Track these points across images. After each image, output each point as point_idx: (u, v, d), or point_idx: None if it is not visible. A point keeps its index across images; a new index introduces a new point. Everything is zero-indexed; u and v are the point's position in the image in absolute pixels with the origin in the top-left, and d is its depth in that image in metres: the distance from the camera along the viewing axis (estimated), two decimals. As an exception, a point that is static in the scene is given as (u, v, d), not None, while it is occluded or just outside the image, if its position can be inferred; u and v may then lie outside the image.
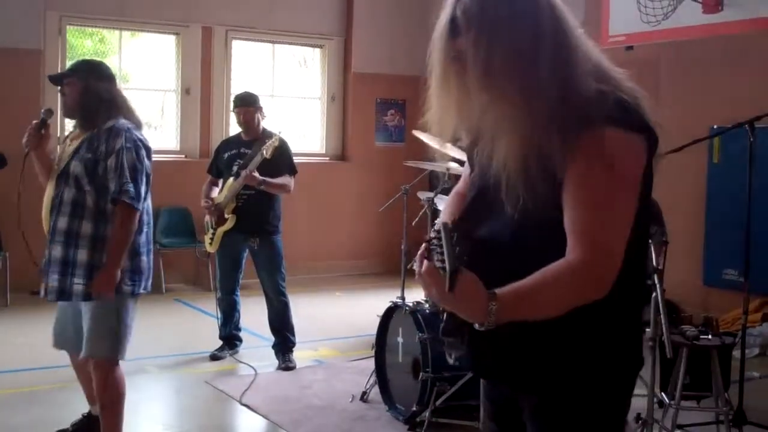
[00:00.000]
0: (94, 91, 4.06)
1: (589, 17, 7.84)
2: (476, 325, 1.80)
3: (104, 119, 4.03)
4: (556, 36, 1.88)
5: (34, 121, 4.09)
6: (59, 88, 4.19)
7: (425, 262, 1.81)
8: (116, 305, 4.00)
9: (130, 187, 3.99)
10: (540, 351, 1.96)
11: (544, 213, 1.87)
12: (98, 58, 4.96)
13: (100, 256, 3.95)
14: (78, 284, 3.93)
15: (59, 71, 4.35)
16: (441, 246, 1.74)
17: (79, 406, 4.82)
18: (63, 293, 3.97)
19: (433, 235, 1.80)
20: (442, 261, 1.73)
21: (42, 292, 4.03)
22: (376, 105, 10.56)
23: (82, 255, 3.93)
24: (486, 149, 2.00)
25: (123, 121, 4.07)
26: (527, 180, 1.88)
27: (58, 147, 4.29)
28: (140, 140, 4.10)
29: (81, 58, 4.66)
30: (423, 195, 5.54)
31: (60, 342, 4.27)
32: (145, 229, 4.19)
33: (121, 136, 3.99)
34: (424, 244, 1.86)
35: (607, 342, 1.99)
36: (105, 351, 4.01)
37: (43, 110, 4.17)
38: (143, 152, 4.11)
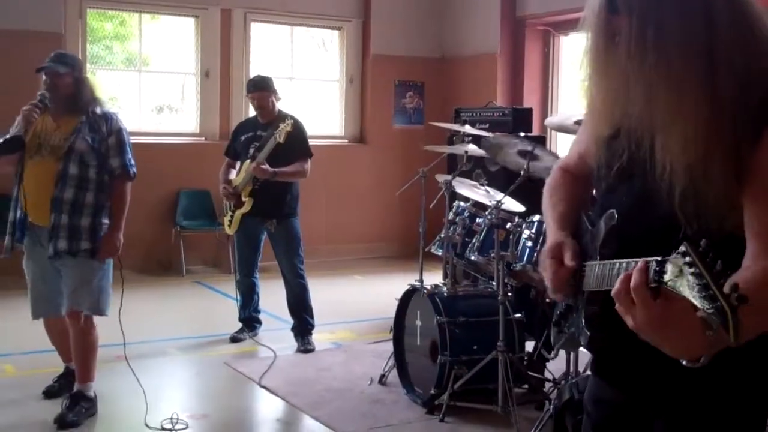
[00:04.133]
0: (86, 84, 4.73)
1: None
2: (685, 362, 1.50)
3: (93, 107, 4.67)
4: (730, 5, 1.67)
5: (33, 102, 4.51)
6: (45, 77, 4.65)
7: (637, 275, 1.49)
8: (105, 266, 4.68)
9: (132, 162, 4.73)
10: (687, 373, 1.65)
11: (717, 219, 1.64)
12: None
13: (100, 220, 4.61)
14: (85, 246, 4.55)
15: (48, 63, 4.64)
16: (695, 273, 1.37)
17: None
18: (71, 253, 4.53)
19: (675, 255, 1.41)
20: (702, 293, 1.35)
21: (52, 252, 4.51)
22: (394, 87, 10.53)
23: (86, 221, 4.55)
24: (644, 146, 1.75)
25: (107, 108, 4.78)
26: (701, 178, 1.65)
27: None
28: (124, 125, 4.81)
29: (59, 51, 4.93)
30: (441, 178, 5.53)
31: (40, 311, 4.78)
32: None
33: (117, 120, 4.72)
34: (641, 262, 1.51)
35: (760, 375, 1.77)
36: (94, 306, 4.63)
37: (40, 93, 4.61)
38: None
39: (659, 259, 1.46)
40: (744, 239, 1.63)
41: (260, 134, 6.17)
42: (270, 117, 6.24)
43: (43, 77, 4.64)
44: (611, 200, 1.88)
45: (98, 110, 4.67)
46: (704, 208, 1.65)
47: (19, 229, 4.62)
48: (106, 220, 4.65)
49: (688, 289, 1.37)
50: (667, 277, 1.43)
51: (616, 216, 1.79)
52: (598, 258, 1.82)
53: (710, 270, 1.34)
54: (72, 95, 4.62)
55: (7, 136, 4.39)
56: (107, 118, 4.67)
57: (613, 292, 1.55)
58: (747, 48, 1.67)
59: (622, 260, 1.65)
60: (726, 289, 1.31)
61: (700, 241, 1.39)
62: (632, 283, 1.49)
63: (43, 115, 4.60)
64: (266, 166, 5.93)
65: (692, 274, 1.36)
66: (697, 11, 1.65)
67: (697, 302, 1.35)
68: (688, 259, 1.37)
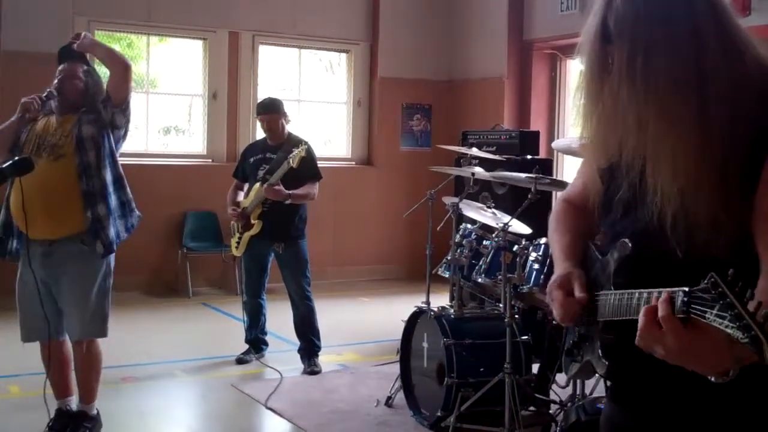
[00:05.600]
0: (99, 91, 4.59)
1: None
2: (714, 379, 1.52)
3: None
4: (719, 34, 1.69)
5: (37, 95, 4.40)
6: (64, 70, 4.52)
7: (663, 306, 1.51)
8: (104, 286, 4.49)
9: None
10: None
11: (704, 242, 1.66)
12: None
13: (124, 193, 4.50)
14: (120, 225, 4.49)
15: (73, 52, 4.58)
16: (718, 301, 1.40)
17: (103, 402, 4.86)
18: (118, 237, 4.47)
19: (704, 285, 1.43)
20: (734, 322, 1.37)
21: (102, 251, 4.37)
22: (402, 110, 10.56)
23: (113, 200, 4.43)
24: (634, 173, 1.79)
25: None
26: (691, 202, 1.67)
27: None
28: None
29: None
30: (448, 200, 5.54)
31: (33, 333, 4.52)
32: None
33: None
34: (665, 293, 1.53)
35: None
36: (100, 330, 4.53)
37: (48, 89, 4.47)
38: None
39: (686, 289, 1.48)
40: (729, 261, 1.59)
41: (269, 156, 6.18)
42: (279, 140, 6.26)
43: (56, 80, 4.50)
44: (619, 230, 1.88)
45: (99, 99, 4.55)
46: (693, 232, 1.67)
47: (16, 236, 4.41)
48: (127, 195, 4.55)
49: (718, 318, 1.39)
50: (695, 308, 1.45)
51: (629, 245, 1.79)
52: (612, 288, 1.81)
53: (740, 299, 1.36)
54: (85, 94, 4.53)
55: (17, 158, 4.30)
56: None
57: (640, 326, 1.56)
58: (736, 72, 1.68)
59: (641, 290, 1.65)
60: (759, 317, 1.34)
61: (727, 270, 1.40)
62: (660, 314, 1.51)
63: (46, 117, 4.50)
64: (280, 188, 5.94)
65: (723, 304, 1.38)
66: (686, 38, 1.67)
67: (729, 332, 1.37)
68: (719, 289, 1.39)
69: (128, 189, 4.57)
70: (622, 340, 1.76)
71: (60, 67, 4.54)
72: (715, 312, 1.40)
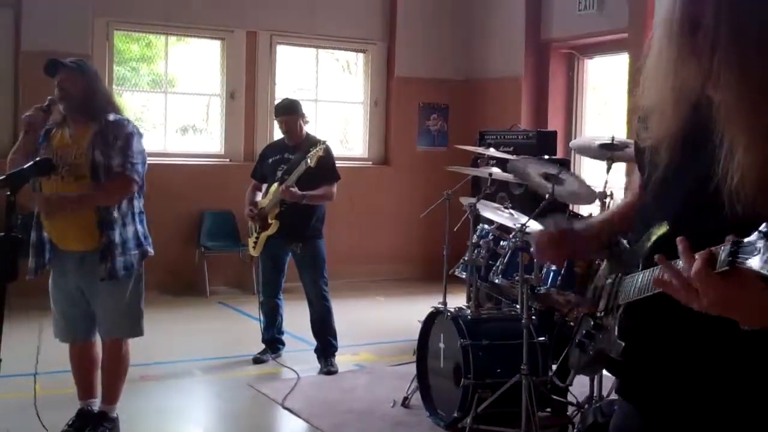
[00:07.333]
0: (99, 89, 4.53)
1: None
2: (746, 328, 1.52)
3: (106, 114, 4.44)
4: None
5: (37, 105, 4.42)
6: (57, 81, 4.44)
7: (700, 262, 1.48)
8: (137, 289, 4.54)
9: (138, 166, 4.43)
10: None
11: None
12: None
13: (125, 232, 4.42)
14: (127, 258, 4.43)
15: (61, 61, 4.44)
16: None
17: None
18: (127, 268, 4.44)
19: (753, 235, 1.42)
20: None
21: (106, 275, 4.35)
22: (418, 109, 10.56)
23: (114, 235, 4.37)
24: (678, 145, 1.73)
25: (120, 116, 4.52)
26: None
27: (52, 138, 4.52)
28: (140, 131, 4.58)
29: (72, 59, 4.55)
30: (465, 200, 5.53)
31: (67, 334, 4.62)
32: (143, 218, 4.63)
33: (128, 125, 4.46)
34: (705, 251, 1.50)
35: None
36: (133, 330, 4.60)
37: (49, 98, 4.45)
38: (143, 141, 4.59)
39: (732, 240, 1.44)
40: None
41: (288, 157, 6.20)
42: (298, 140, 6.27)
43: (57, 89, 4.45)
44: (654, 212, 1.84)
45: (111, 117, 4.44)
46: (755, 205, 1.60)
47: (48, 251, 4.45)
48: (140, 227, 4.53)
49: (767, 265, 1.36)
50: (741, 257, 1.42)
51: (667, 226, 1.75)
52: (641, 269, 1.79)
53: None
54: (85, 101, 4.40)
55: (38, 159, 4.31)
56: (119, 124, 4.44)
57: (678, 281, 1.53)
58: None
59: (675, 260, 1.60)
60: None
61: None
62: (697, 270, 1.48)
63: (60, 129, 4.46)
64: (295, 189, 5.94)
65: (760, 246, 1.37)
66: None
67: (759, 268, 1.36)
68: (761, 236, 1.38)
69: (131, 227, 4.48)
70: (640, 324, 1.76)
71: (56, 79, 4.46)
72: (763, 259, 1.37)
